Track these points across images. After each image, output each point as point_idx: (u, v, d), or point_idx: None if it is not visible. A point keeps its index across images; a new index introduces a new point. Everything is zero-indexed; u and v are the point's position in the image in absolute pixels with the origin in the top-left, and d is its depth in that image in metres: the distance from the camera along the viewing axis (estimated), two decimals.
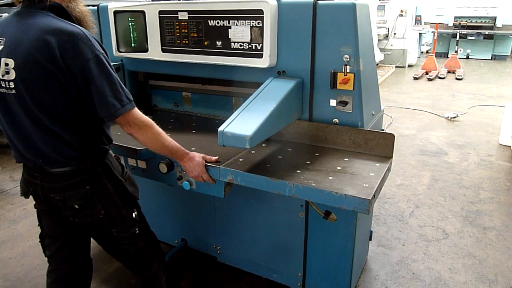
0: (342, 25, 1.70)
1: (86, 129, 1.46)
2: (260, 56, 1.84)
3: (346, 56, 1.73)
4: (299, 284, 2.26)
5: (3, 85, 1.34)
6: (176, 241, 2.67)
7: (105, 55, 1.37)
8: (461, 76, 8.95)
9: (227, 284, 2.39)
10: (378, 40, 9.87)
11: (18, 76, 1.31)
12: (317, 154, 1.79)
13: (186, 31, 2.02)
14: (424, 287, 2.33)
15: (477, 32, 11.48)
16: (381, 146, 1.76)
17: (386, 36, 10.32)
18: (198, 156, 1.66)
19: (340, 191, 1.41)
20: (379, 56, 9.67)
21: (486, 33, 11.49)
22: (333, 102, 1.84)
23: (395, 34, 10.31)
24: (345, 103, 1.80)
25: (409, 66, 10.67)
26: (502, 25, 11.13)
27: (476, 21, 11.49)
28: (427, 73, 9.32)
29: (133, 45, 2.17)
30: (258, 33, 1.82)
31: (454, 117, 5.75)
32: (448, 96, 7.28)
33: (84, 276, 1.75)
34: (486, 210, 3.21)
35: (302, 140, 1.93)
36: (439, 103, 6.73)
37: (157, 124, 1.53)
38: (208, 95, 2.39)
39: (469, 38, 11.62)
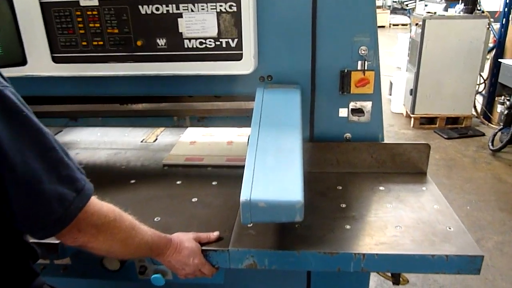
0: (356, 6, 1.20)
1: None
2: (239, 57, 1.21)
3: (363, 48, 1.24)
4: None
5: None
6: None
7: (13, 90, 0.61)
8: None
9: None
10: None
11: None
12: (340, 188, 1.29)
13: (98, 25, 1.23)
14: None
15: None
16: (412, 161, 1.37)
17: None
18: (188, 240, 0.98)
19: (435, 252, 0.96)
20: None
21: None
22: (343, 112, 1.35)
23: None
24: (361, 112, 1.34)
25: None
26: None
27: None
28: None
29: None
30: (231, 23, 1.18)
31: None
32: None
33: None
34: None
35: (304, 168, 1.39)
36: None
37: None
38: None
39: None
